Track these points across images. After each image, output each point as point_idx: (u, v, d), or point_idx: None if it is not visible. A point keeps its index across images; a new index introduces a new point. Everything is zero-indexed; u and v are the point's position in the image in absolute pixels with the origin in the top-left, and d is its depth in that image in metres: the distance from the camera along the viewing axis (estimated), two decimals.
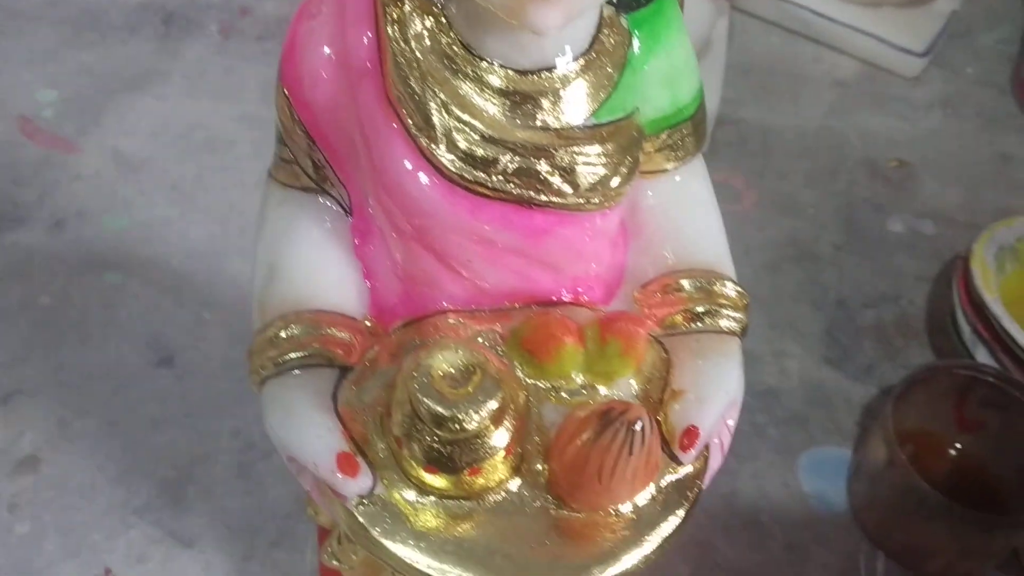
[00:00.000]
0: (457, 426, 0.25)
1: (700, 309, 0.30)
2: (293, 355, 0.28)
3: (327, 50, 0.28)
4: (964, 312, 0.56)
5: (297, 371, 0.28)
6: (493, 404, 0.25)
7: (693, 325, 0.30)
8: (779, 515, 0.54)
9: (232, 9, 0.75)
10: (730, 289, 0.31)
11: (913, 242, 0.67)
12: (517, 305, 0.30)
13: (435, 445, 0.25)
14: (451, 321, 0.29)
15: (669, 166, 0.31)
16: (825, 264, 0.65)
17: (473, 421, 0.25)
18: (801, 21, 0.78)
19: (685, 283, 0.30)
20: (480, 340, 0.29)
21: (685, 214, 0.32)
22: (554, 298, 0.30)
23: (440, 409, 0.25)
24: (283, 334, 0.28)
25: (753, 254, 0.65)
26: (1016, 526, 0.48)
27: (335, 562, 0.42)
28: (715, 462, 0.30)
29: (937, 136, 0.73)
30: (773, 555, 0.52)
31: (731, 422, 0.30)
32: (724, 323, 0.30)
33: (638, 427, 0.25)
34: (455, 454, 0.25)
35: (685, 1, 0.66)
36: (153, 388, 0.55)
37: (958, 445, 0.54)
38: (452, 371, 0.25)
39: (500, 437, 0.26)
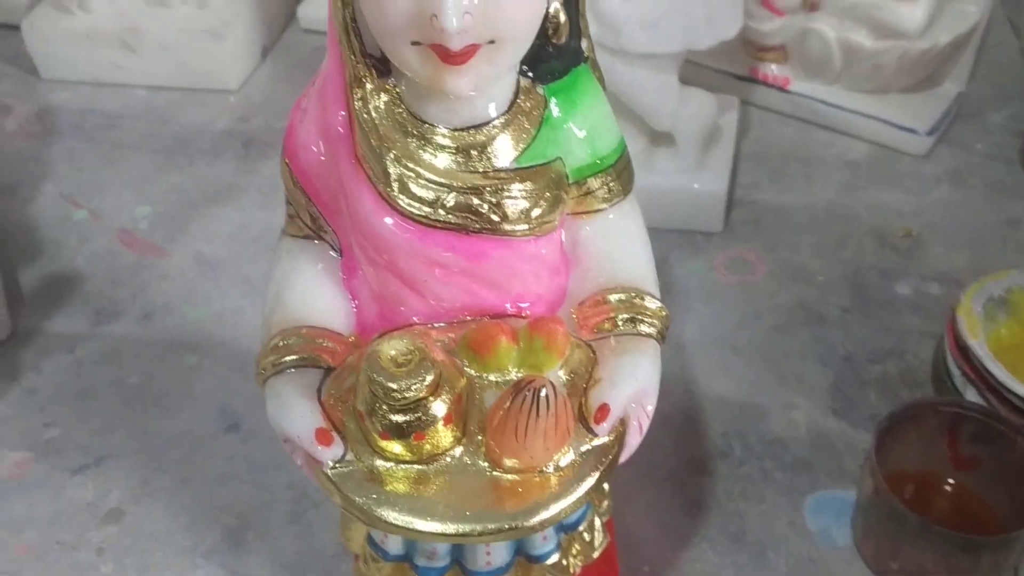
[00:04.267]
0: (399, 395, 0.32)
1: (623, 316, 0.37)
2: (288, 358, 0.35)
3: (313, 128, 0.37)
4: (953, 357, 0.60)
5: (292, 370, 0.35)
6: (429, 377, 0.32)
7: (616, 329, 0.36)
8: (784, 550, 0.57)
9: None
10: (650, 302, 0.37)
11: (920, 302, 0.71)
12: (469, 317, 0.37)
13: (387, 415, 0.32)
14: (416, 332, 0.36)
15: (602, 206, 0.39)
16: (832, 325, 0.70)
17: (411, 390, 0.32)
18: (813, 111, 0.85)
19: (612, 297, 0.37)
20: (438, 344, 0.36)
21: (615, 244, 0.39)
22: (499, 312, 0.37)
23: (384, 381, 0.32)
24: (281, 343, 0.36)
25: (764, 318, 0.70)
26: (996, 546, 0.51)
27: None
28: (633, 440, 0.35)
29: (945, 206, 0.78)
30: None
31: (650, 408, 0.36)
32: (643, 328, 0.36)
33: (543, 393, 0.31)
34: (402, 423, 0.32)
35: (689, 95, 0.74)
36: (221, 449, 0.63)
37: (951, 481, 0.57)
38: (396, 354, 0.32)
39: (438, 407, 0.32)
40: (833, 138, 0.84)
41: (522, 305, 0.37)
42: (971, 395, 0.59)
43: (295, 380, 0.35)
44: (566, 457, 0.33)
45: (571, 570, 0.50)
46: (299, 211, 0.38)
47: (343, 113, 0.35)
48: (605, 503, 0.52)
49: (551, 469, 0.33)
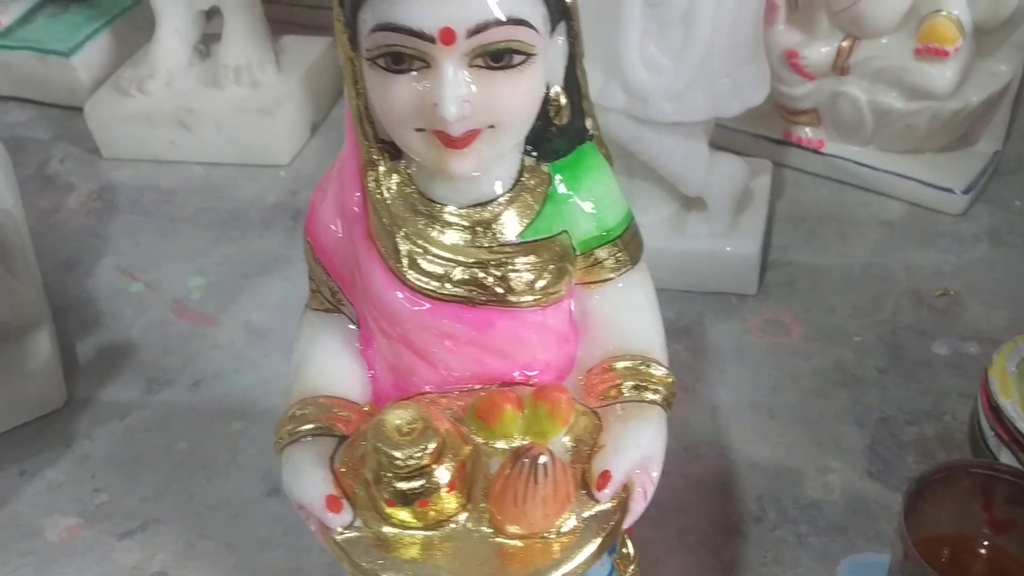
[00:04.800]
0: (402, 463, 0.33)
1: (629, 384, 0.38)
2: (304, 427, 0.37)
3: (332, 209, 0.39)
4: (986, 418, 0.59)
5: (308, 439, 0.37)
6: (431, 446, 0.33)
7: (622, 397, 0.37)
8: None
9: None
10: (656, 369, 0.38)
11: (957, 363, 0.70)
12: (479, 386, 0.38)
13: (392, 483, 0.34)
14: (427, 400, 0.38)
15: (611, 276, 0.40)
16: (869, 387, 0.69)
17: (414, 458, 0.33)
18: (848, 172, 0.85)
19: (618, 365, 0.38)
20: (448, 413, 0.37)
21: (623, 313, 0.40)
22: (509, 380, 0.38)
23: (388, 449, 0.33)
24: (299, 413, 0.38)
25: (800, 380, 0.70)
26: None
27: None
28: (638, 506, 0.36)
29: (983, 264, 0.78)
30: None
31: (655, 474, 0.37)
32: (648, 395, 0.37)
33: (541, 460, 0.32)
34: (407, 490, 0.33)
35: (719, 160, 0.75)
36: (263, 514, 0.65)
37: (987, 544, 0.56)
38: (401, 424, 0.34)
39: (441, 475, 0.34)
40: (869, 198, 0.85)
41: (530, 373, 0.38)
42: (1005, 457, 0.58)
43: (310, 449, 0.37)
44: (568, 523, 0.34)
45: None
46: (320, 286, 0.40)
47: (358, 194, 0.38)
48: (631, 568, 0.52)
49: (553, 535, 0.34)
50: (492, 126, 0.34)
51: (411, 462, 0.33)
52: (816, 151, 0.86)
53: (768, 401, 0.69)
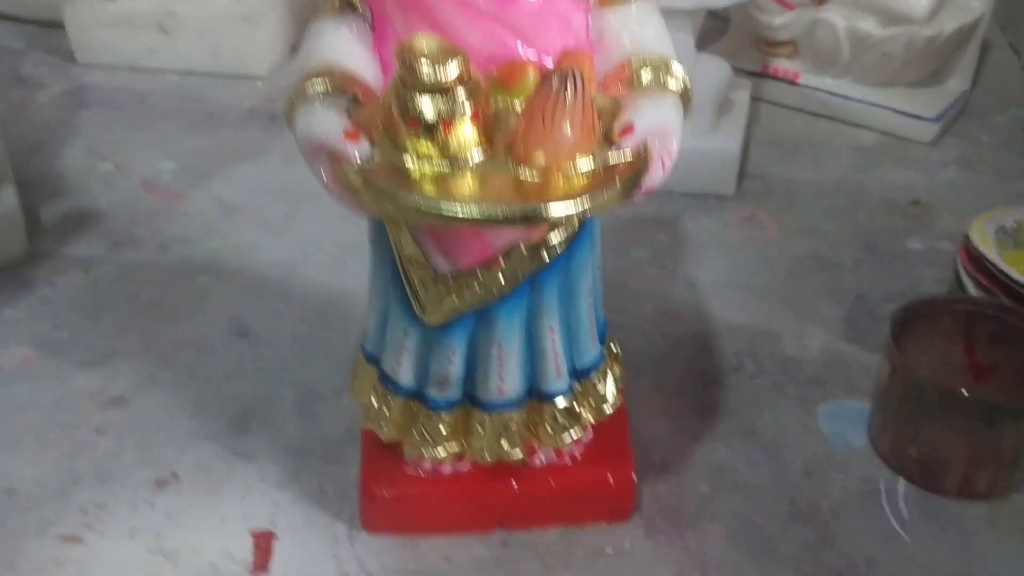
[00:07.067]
0: (425, 72, 0.32)
1: (647, 71, 0.38)
2: (320, 87, 0.36)
3: None
4: (967, 271, 0.60)
5: (323, 95, 0.36)
6: (453, 66, 0.33)
7: (640, 84, 0.37)
8: (798, 449, 0.56)
9: None
10: (674, 66, 0.38)
11: (932, 257, 0.71)
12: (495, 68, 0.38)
13: (416, 100, 0.33)
14: None
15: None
16: (845, 272, 0.70)
17: (438, 72, 0.32)
18: (822, 103, 0.87)
19: (634, 60, 0.38)
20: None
21: (637, 28, 0.41)
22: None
23: (414, 62, 0.32)
24: (315, 76, 0.37)
25: (775, 265, 0.71)
26: (1019, 415, 0.50)
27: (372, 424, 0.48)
28: (656, 172, 0.36)
29: (954, 185, 0.80)
30: (792, 479, 0.54)
31: (673, 147, 0.36)
32: (670, 83, 0.37)
33: (572, 76, 0.32)
34: (432, 109, 0.33)
35: (705, 60, 0.75)
36: (231, 352, 0.63)
37: (964, 392, 0.56)
38: (427, 49, 0.33)
39: (465, 96, 0.33)
40: (843, 128, 0.87)
41: (546, 59, 0.38)
42: None
43: (326, 100, 0.36)
44: (590, 163, 0.34)
45: (583, 420, 0.49)
46: None
47: None
48: (619, 369, 0.52)
49: (574, 173, 0.33)
50: None
51: (437, 76, 0.32)
52: (792, 83, 0.88)
53: (745, 281, 0.69)
